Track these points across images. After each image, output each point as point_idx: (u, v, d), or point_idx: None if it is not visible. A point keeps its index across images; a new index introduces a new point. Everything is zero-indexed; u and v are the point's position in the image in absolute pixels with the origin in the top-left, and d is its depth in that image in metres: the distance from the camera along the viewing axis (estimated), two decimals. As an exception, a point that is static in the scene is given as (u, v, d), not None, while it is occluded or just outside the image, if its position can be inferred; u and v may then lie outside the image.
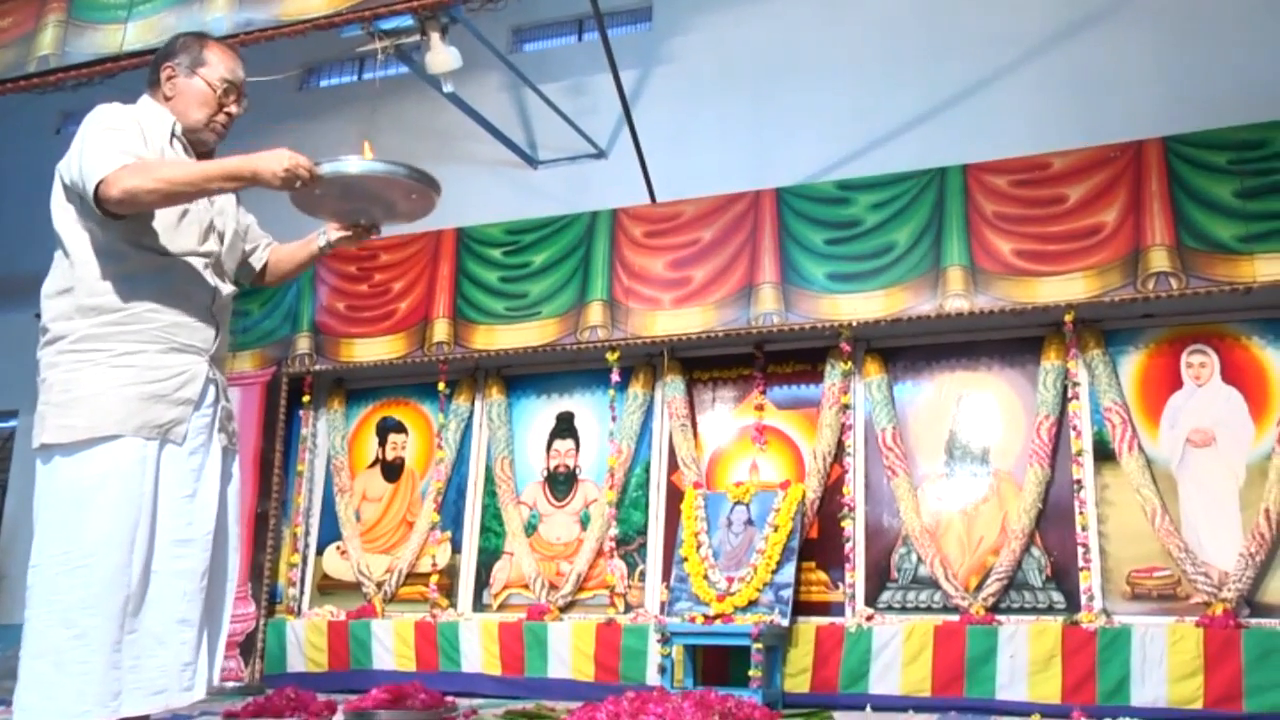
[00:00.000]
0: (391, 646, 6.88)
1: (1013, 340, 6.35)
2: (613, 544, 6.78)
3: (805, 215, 6.64)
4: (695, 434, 6.88)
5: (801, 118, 7.71)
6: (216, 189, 2.48)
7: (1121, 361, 6.10)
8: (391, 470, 7.64)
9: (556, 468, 7.21)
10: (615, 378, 6.94)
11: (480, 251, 7.43)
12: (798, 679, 5.92)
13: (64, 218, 2.51)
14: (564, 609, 6.78)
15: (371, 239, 2.86)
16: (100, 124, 2.49)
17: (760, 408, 6.76)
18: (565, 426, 7.27)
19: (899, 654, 5.79)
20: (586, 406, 7.24)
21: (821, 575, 6.36)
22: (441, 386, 7.42)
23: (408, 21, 6.54)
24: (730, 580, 6.09)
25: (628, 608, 6.64)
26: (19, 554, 2.59)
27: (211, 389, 2.58)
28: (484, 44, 7.32)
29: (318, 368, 7.68)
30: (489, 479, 7.31)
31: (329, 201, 2.63)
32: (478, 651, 6.66)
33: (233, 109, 2.70)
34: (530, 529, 7.11)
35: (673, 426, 6.88)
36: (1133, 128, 6.27)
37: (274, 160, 2.40)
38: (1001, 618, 5.82)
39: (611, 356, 6.92)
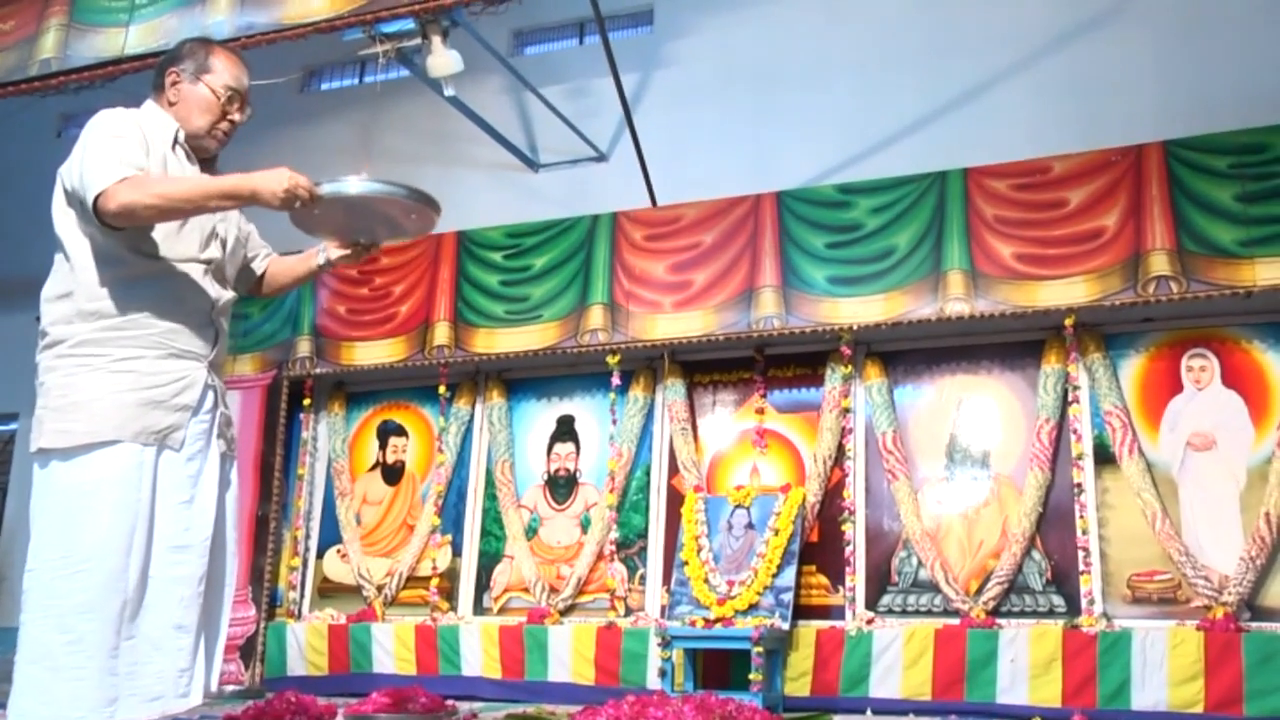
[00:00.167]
0: (392, 650, 6.88)
1: (1013, 344, 6.35)
2: (613, 547, 6.78)
3: (806, 219, 6.65)
4: (696, 437, 6.88)
5: (802, 121, 7.71)
6: (215, 206, 2.48)
7: (1122, 365, 6.10)
8: (392, 473, 7.64)
9: (557, 471, 7.20)
10: (616, 381, 6.94)
11: (481, 255, 7.43)
12: (798, 682, 5.92)
13: (65, 222, 2.51)
14: (564, 612, 6.78)
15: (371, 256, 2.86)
16: (103, 131, 2.49)
17: (761, 411, 6.76)
18: (566, 430, 7.27)
19: (899, 657, 5.79)
20: (587, 410, 7.24)
21: (822, 579, 6.36)
22: (442, 390, 7.42)
23: (409, 25, 6.54)
24: (731, 584, 6.09)
25: (628, 611, 6.63)
26: (18, 557, 2.57)
27: (210, 395, 2.58)
28: (485, 47, 7.33)
29: (318, 371, 7.68)
30: (489, 482, 7.31)
31: (328, 221, 2.63)
32: (478, 655, 6.66)
33: (236, 116, 2.70)
34: (531, 532, 7.11)
35: (673, 430, 6.88)
36: (1133, 132, 6.27)
37: (274, 180, 2.40)
38: (1002, 621, 5.81)
39: (612, 360, 6.92)
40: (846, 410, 6.50)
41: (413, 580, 7.26)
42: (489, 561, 7.17)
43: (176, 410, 2.49)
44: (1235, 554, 5.56)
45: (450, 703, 5.19)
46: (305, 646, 7.11)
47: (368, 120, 8.98)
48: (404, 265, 7.55)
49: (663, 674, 5.85)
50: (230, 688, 6.88)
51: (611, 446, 6.94)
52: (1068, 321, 6.03)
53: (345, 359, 7.59)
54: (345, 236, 2.73)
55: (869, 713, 5.73)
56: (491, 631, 6.68)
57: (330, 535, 7.63)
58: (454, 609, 7.09)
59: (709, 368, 7.00)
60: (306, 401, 7.76)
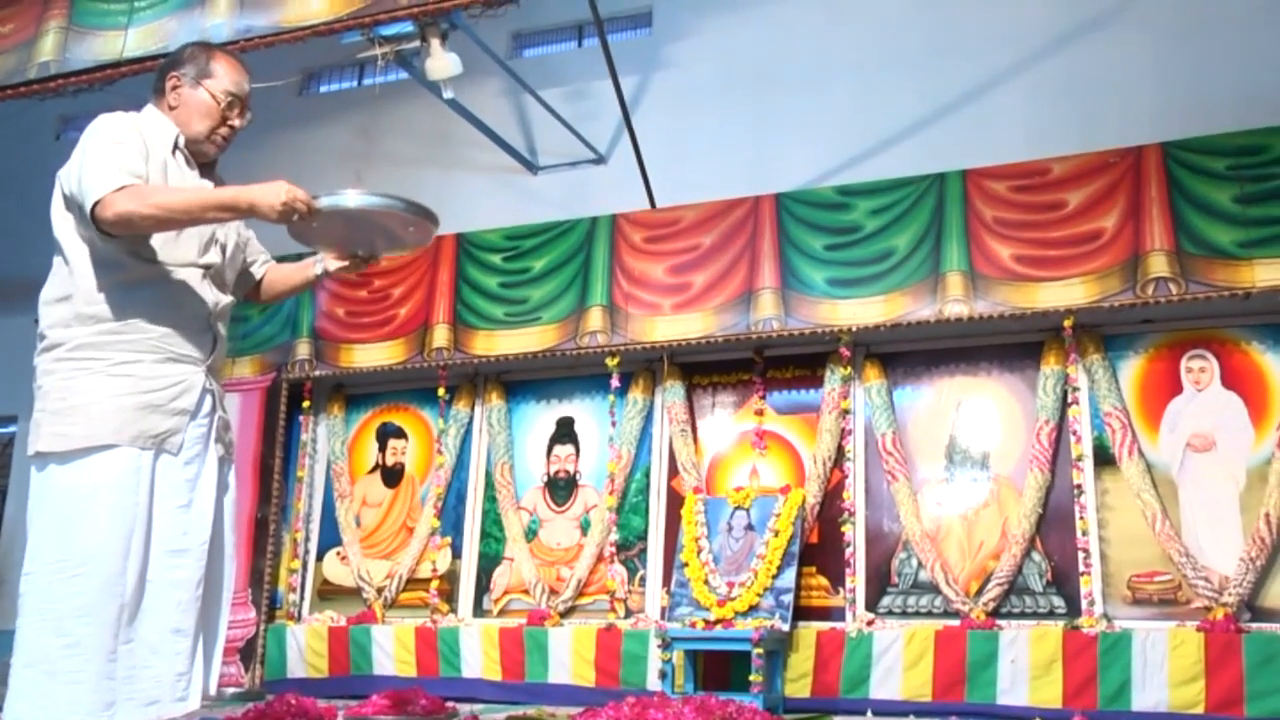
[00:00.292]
0: (392, 652, 6.87)
1: (1012, 345, 6.36)
2: (613, 549, 6.78)
3: (805, 220, 6.65)
4: (695, 439, 6.88)
5: (801, 123, 7.71)
6: (212, 218, 2.48)
7: (1121, 366, 6.11)
8: (391, 476, 7.64)
9: (556, 473, 7.20)
10: (615, 383, 6.94)
11: (480, 257, 7.44)
12: (798, 684, 5.92)
13: (64, 226, 2.51)
14: (564, 614, 6.78)
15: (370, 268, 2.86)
16: (102, 137, 2.48)
17: (760, 413, 6.76)
18: (565, 432, 7.27)
19: (900, 659, 5.79)
20: (586, 412, 7.24)
21: (822, 580, 6.36)
22: (441, 392, 7.42)
23: (408, 27, 6.54)
24: (731, 585, 6.09)
25: (628, 613, 6.63)
26: (18, 560, 2.57)
27: (208, 399, 2.58)
28: (484, 50, 7.33)
29: (318, 373, 7.68)
30: (489, 484, 7.31)
31: (326, 233, 2.63)
32: (478, 657, 6.66)
33: (235, 122, 2.69)
34: (530, 534, 7.11)
35: (673, 432, 6.88)
36: (1132, 133, 6.27)
37: (272, 193, 2.39)
38: (1002, 622, 5.82)
39: (611, 362, 6.92)
40: (846, 412, 6.50)
41: (413, 582, 7.26)
42: (489, 563, 7.17)
43: (174, 414, 2.49)
44: (1235, 555, 5.57)
45: (450, 705, 5.20)
46: (305, 649, 7.11)
47: (366, 123, 8.99)
48: (403, 268, 7.55)
49: (663, 676, 5.85)
50: (230, 690, 6.87)
51: (611, 448, 6.94)
52: (1067, 323, 6.03)
53: (344, 361, 7.60)
54: (344, 248, 2.72)
55: (869, 714, 5.73)
56: (491, 633, 6.68)
57: (330, 537, 7.63)
58: (454, 611, 7.09)
59: (708, 369, 7.00)
60: (306, 404, 7.76)
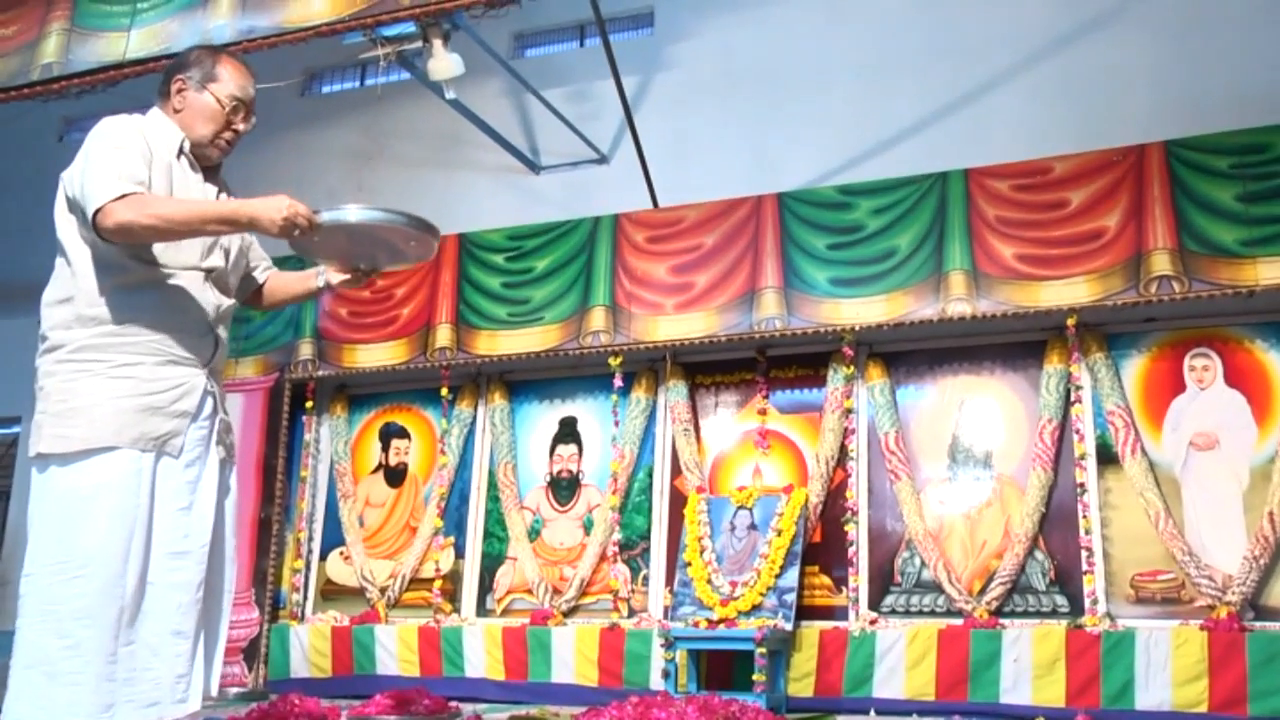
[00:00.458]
0: (395, 652, 6.88)
1: (1015, 344, 6.35)
2: (616, 549, 6.78)
3: (807, 220, 6.65)
4: (698, 438, 6.88)
5: (803, 123, 7.71)
6: (212, 231, 2.49)
7: (1124, 365, 6.10)
8: (394, 476, 7.65)
9: (559, 473, 7.21)
10: (618, 383, 6.94)
11: (482, 257, 7.44)
12: (801, 683, 5.92)
13: (66, 228, 2.52)
14: (567, 614, 6.78)
15: (372, 281, 2.86)
16: (105, 142, 2.49)
17: (763, 412, 6.76)
18: (568, 431, 7.28)
19: (903, 658, 5.79)
20: (589, 411, 7.25)
21: (825, 579, 6.36)
22: (444, 392, 7.43)
23: (410, 28, 6.54)
24: (734, 585, 6.09)
25: (631, 612, 6.64)
26: (22, 561, 2.58)
27: (209, 401, 2.58)
28: (486, 50, 7.33)
29: (320, 373, 7.69)
30: (492, 484, 7.32)
31: (328, 247, 2.63)
32: (481, 657, 6.66)
33: (240, 126, 2.70)
34: (533, 534, 7.11)
35: (675, 431, 6.88)
36: (1134, 132, 6.27)
37: (273, 207, 2.40)
38: (1005, 621, 5.81)
39: (614, 361, 6.92)
40: (849, 411, 6.50)
41: (416, 582, 7.27)
42: (492, 563, 7.17)
43: (175, 417, 2.49)
44: (1239, 554, 5.56)
45: (454, 704, 5.20)
46: (308, 648, 7.11)
47: (369, 124, 8.99)
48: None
49: (666, 675, 5.85)
50: (234, 690, 6.88)
51: (614, 448, 6.94)
52: (1070, 322, 6.03)
53: (347, 361, 7.60)
54: (345, 262, 2.72)
55: (872, 713, 5.73)
56: (495, 633, 6.68)
57: (333, 537, 7.64)
58: (457, 611, 7.10)
59: (711, 369, 7.00)
60: (309, 404, 7.77)
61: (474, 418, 7.49)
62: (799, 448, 6.67)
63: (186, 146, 2.63)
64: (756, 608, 5.94)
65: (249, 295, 2.87)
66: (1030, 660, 5.56)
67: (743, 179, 7.28)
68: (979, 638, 5.69)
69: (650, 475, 6.95)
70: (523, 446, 7.35)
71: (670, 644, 5.88)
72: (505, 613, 7.02)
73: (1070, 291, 5.98)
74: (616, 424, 6.95)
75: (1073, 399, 6.04)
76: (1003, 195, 6.26)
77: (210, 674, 2.54)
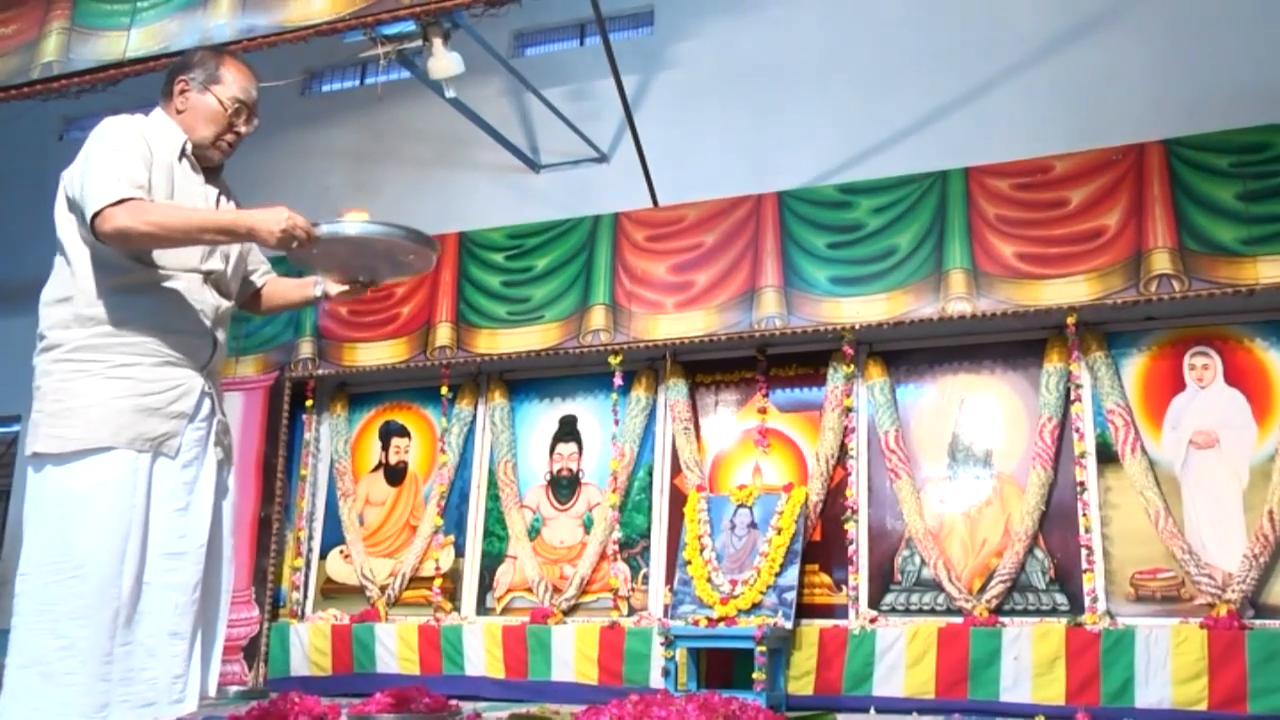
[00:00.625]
0: (395, 650, 6.88)
1: (1015, 343, 6.36)
2: (616, 547, 6.79)
3: (807, 219, 6.65)
4: (698, 437, 6.89)
5: (803, 122, 7.70)
6: (209, 240, 2.48)
7: (1124, 364, 6.10)
8: (395, 474, 7.65)
9: (559, 471, 7.21)
10: (618, 381, 6.94)
11: (482, 256, 7.44)
12: (801, 682, 5.92)
13: (66, 228, 2.52)
14: (567, 612, 6.79)
15: (369, 293, 2.85)
16: (106, 143, 2.48)
17: (763, 411, 6.77)
18: (568, 430, 7.28)
19: (903, 656, 5.79)
20: (589, 410, 7.25)
21: (825, 578, 6.36)
22: (444, 391, 7.43)
23: (410, 27, 6.55)
24: (734, 583, 6.10)
25: (631, 611, 6.64)
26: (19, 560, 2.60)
27: (207, 402, 2.58)
28: (486, 49, 7.32)
29: (321, 372, 7.69)
30: (492, 483, 7.32)
31: (326, 259, 2.62)
32: (481, 655, 6.66)
33: (242, 128, 2.69)
34: (533, 533, 7.12)
35: (675, 430, 6.89)
36: (1134, 131, 6.27)
37: (272, 219, 2.39)
38: (1005, 620, 5.82)
39: (614, 360, 6.93)
40: (849, 409, 6.51)
41: (416, 580, 7.27)
42: (492, 562, 7.18)
43: (172, 418, 2.49)
44: (1238, 552, 5.57)
45: (454, 703, 5.19)
46: (309, 647, 7.12)
47: (369, 123, 8.99)
48: (406, 267, 7.54)
49: (666, 673, 5.86)
50: (234, 688, 6.89)
51: (614, 446, 6.94)
52: (1070, 320, 6.03)
53: (347, 360, 7.61)
54: (344, 274, 2.71)
55: (873, 711, 5.73)
56: (495, 631, 6.68)
57: (333, 536, 7.64)
58: (457, 609, 7.10)
59: (711, 368, 7.01)
60: (309, 403, 7.77)
61: (474, 416, 7.49)
62: (799, 446, 6.67)
63: (188, 148, 2.62)
64: (756, 606, 5.95)
65: (246, 299, 2.86)
66: (1030, 658, 5.56)
67: (743, 178, 7.28)
68: (979, 636, 5.69)
69: (650, 474, 6.95)
70: (523, 445, 7.35)
71: (670, 642, 5.88)
72: (505, 611, 7.02)
73: (1070, 290, 5.98)
74: (616, 422, 6.96)
75: (1073, 398, 6.04)
76: (1003, 194, 6.27)
77: (208, 674, 2.54)
